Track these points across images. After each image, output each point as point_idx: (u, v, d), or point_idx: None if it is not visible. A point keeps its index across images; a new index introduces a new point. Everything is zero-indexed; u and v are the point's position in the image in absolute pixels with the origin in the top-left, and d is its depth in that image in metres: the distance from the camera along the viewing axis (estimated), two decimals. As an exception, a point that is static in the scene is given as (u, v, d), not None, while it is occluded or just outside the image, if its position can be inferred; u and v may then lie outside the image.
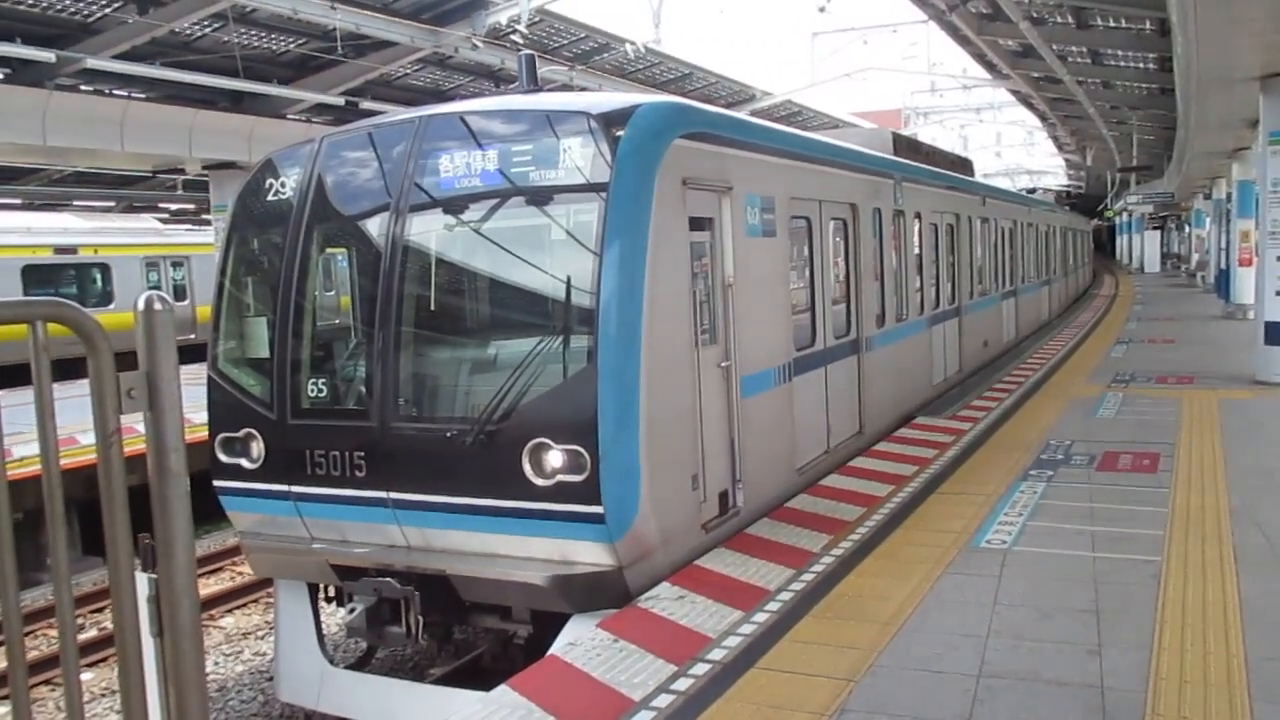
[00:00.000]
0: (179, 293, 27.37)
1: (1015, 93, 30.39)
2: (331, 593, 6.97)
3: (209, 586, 11.37)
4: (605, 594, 5.78)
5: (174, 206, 35.09)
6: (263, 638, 9.90)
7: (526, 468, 5.75)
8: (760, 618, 5.44)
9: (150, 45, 16.33)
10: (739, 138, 7.44)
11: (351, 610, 6.19)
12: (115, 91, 18.52)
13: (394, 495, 6.20)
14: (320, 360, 6.78)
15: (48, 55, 14.90)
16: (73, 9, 15.51)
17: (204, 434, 6.88)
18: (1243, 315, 21.84)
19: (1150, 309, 27.72)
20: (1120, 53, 20.53)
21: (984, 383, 14.48)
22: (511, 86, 8.08)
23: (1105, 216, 62.53)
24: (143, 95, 18.84)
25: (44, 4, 15.14)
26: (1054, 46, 19.60)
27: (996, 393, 13.36)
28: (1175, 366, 15.28)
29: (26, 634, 9.74)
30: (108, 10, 15.55)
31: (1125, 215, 57.76)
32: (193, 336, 25.16)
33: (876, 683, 4.62)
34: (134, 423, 2.25)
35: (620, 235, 5.72)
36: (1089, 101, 25.59)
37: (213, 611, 10.50)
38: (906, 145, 14.02)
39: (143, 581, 2.37)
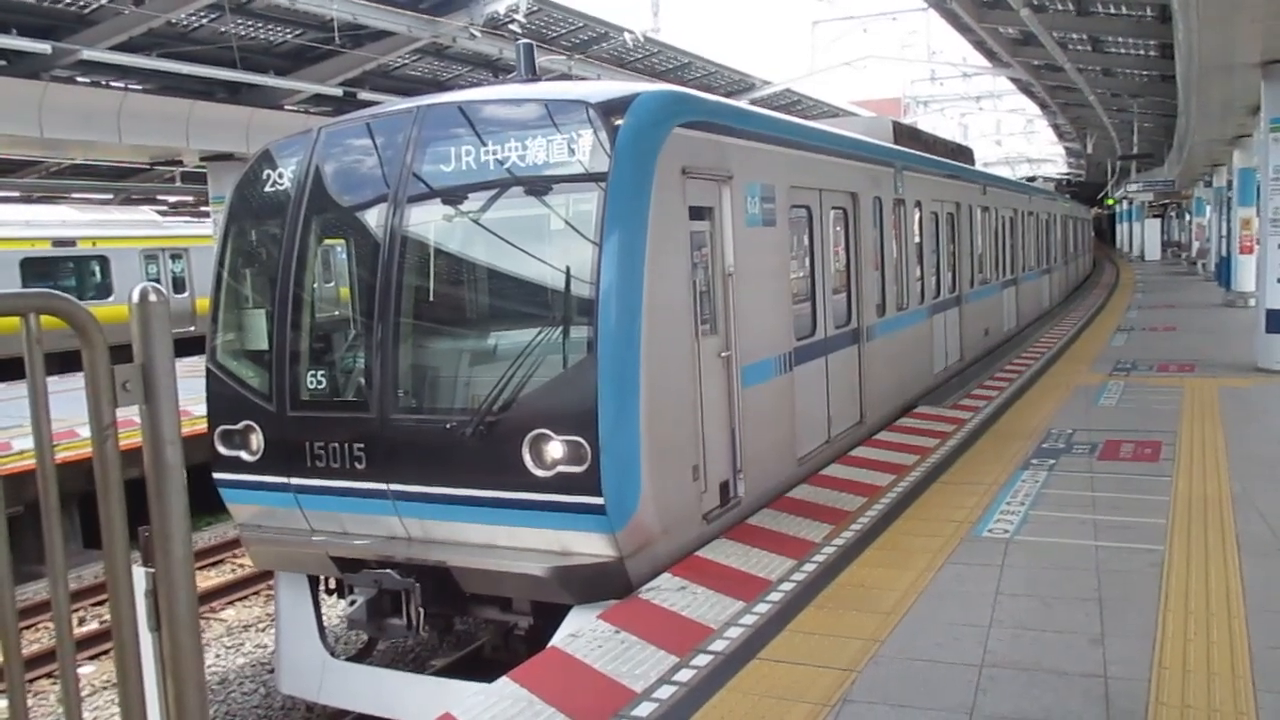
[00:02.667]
0: (178, 285, 27.33)
1: (1015, 81, 30.32)
2: (332, 585, 6.96)
3: (210, 579, 11.37)
4: (606, 585, 5.77)
5: (172, 198, 35.02)
6: (263, 630, 9.90)
7: (527, 459, 5.73)
8: (762, 608, 5.43)
9: (147, 36, 16.27)
10: (739, 126, 7.40)
11: (352, 602, 6.17)
12: (112, 83, 18.46)
13: (394, 487, 6.18)
14: (319, 352, 6.75)
15: (43, 47, 14.85)
16: (68, 1, 15.44)
17: (203, 426, 6.87)
18: (1244, 303, 21.82)
19: (1151, 297, 27.70)
20: (1121, 39, 20.46)
21: (985, 372, 14.46)
22: (510, 76, 8.03)
23: (1106, 204, 62.41)
24: (140, 87, 18.78)
25: (40, -5, 15.08)
26: (1054, 34, 19.53)
27: (998, 382, 13.34)
28: (1176, 354, 15.27)
29: (29, 626, 9.81)
30: (103, 1, 15.48)
31: (1126, 203, 57.66)
32: (192, 329, 25.13)
33: (879, 673, 4.61)
34: (133, 415, 2.23)
35: (619, 225, 5.69)
36: (1089, 89, 25.52)
37: (213, 604, 10.50)
38: (907, 134, 13.97)
39: (140, 576, 2.35)
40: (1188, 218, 49.22)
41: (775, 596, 5.60)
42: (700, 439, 6.40)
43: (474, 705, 4.47)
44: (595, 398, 5.56)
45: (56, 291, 2.22)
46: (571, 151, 5.87)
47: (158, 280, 26.03)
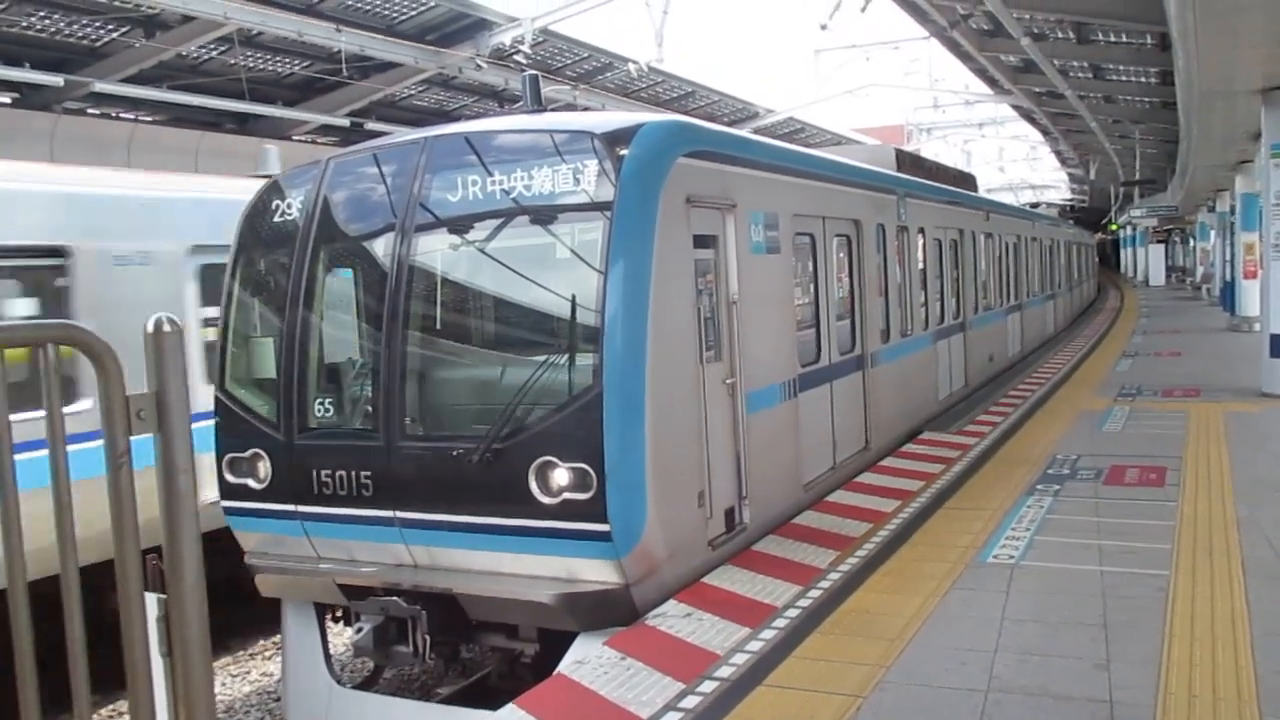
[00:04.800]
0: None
1: (1017, 108, 30.47)
2: (339, 612, 6.97)
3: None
4: (612, 612, 5.78)
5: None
6: (270, 658, 9.89)
7: (533, 486, 5.76)
8: (767, 635, 5.43)
9: (157, 68, 16.45)
10: (742, 155, 7.47)
11: (359, 630, 6.19)
12: (122, 115, 18.66)
13: (401, 514, 6.21)
14: (327, 380, 6.80)
15: (56, 79, 15.02)
16: (80, 34, 15.64)
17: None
18: (1248, 328, 21.81)
19: (1155, 322, 27.70)
20: (1121, 67, 20.59)
21: (990, 397, 14.47)
22: (516, 106, 8.13)
23: (1109, 230, 62.55)
24: (149, 118, 18.97)
25: (52, 29, 15.27)
26: (1055, 62, 19.65)
27: (1002, 407, 13.35)
28: (1181, 379, 15.27)
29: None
30: (115, 35, 15.68)
31: (1129, 229, 57.76)
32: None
33: (884, 699, 4.61)
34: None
35: (625, 253, 5.75)
36: (1091, 116, 25.64)
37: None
38: (909, 161, 14.06)
39: (152, 602, 2.39)
40: (1191, 243, 49.24)
41: (781, 623, 5.60)
42: (705, 466, 6.42)
43: (480, 732, 4.48)
44: (601, 425, 5.60)
45: (74, 323, 2.28)
46: (577, 181, 5.93)
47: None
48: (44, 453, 2.18)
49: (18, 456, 2.16)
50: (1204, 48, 11.38)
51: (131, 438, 2.27)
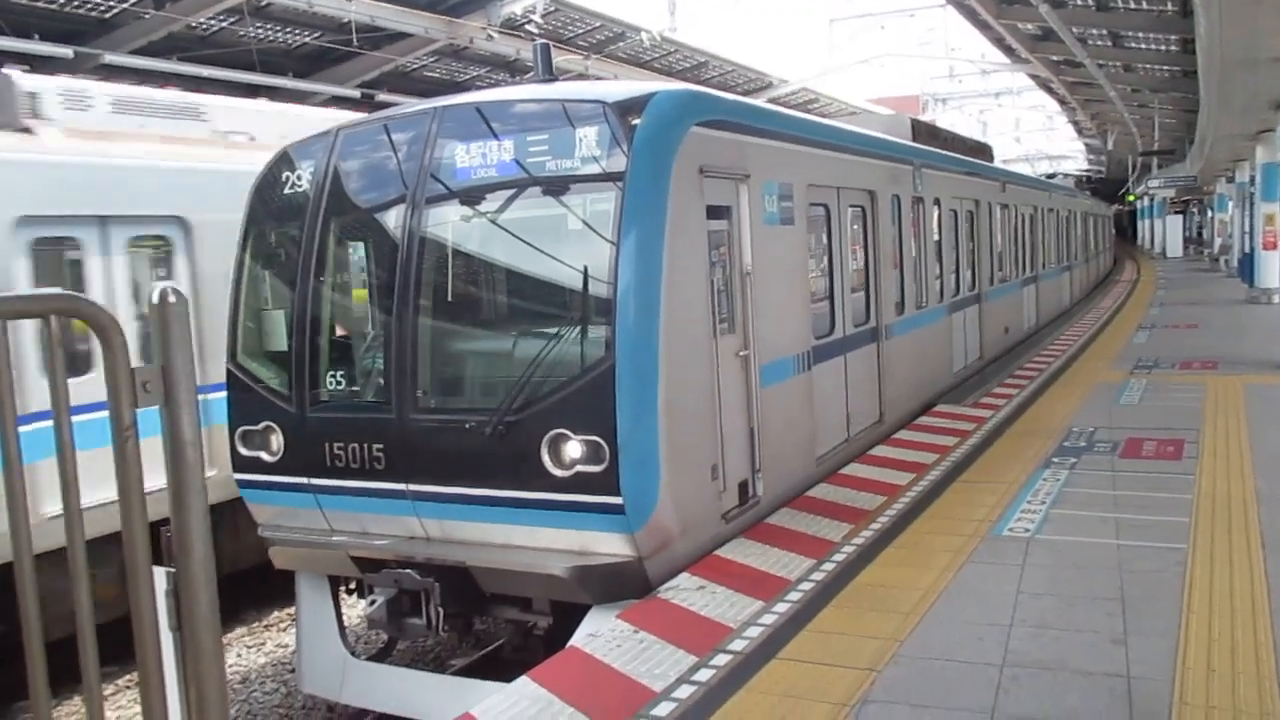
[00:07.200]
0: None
1: (1035, 77, 30.11)
2: (353, 584, 6.99)
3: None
4: (625, 585, 5.77)
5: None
6: (285, 629, 9.95)
7: (545, 458, 5.73)
8: (781, 608, 5.41)
9: (167, 40, 16.38)
10: (756, 125, 7.39)
11: (372, 602, 6.20)
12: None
13: (413, 487, 6.20)
14: (338, 353, 6.79)
15: (65, 51, 14.97)
16: (90, 5, 15.58)
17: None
18: (1267, 299, 21.64)
19: (1173, 294, 27.48)
20: (1141, 35, 20.27)
21: (1005, 370, 14.38)
22: (527, 76, 8.05)
23: (1126, 201, 61.99)
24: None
25: (61, 1, 15.21)
26: (1074, 29, 19.38)
27: (1018, 380, 13.26)
28: (1199, 352, 15.14)
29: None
30: (125, 5, 15.61)
31: (1147, 199, 57.20)
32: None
33: (899, 673, 4.59)
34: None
35: (637, 224, 5.69)
36: (1109, 85, 25.31)
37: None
38: (925, 131, 13.92)
39: (160, 575, 2.36)
40: (1210, 214, 48.78)
41: (794, 596, 5.58)
42: (719, 438, 6.38)
43: (494, 705, 4.48)
44: (613, 397, 5.56)
45: (77, 294, 2.24)
46: (589, 151, 5.86)
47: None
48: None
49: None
50: (1227, 13, 11.19)
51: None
